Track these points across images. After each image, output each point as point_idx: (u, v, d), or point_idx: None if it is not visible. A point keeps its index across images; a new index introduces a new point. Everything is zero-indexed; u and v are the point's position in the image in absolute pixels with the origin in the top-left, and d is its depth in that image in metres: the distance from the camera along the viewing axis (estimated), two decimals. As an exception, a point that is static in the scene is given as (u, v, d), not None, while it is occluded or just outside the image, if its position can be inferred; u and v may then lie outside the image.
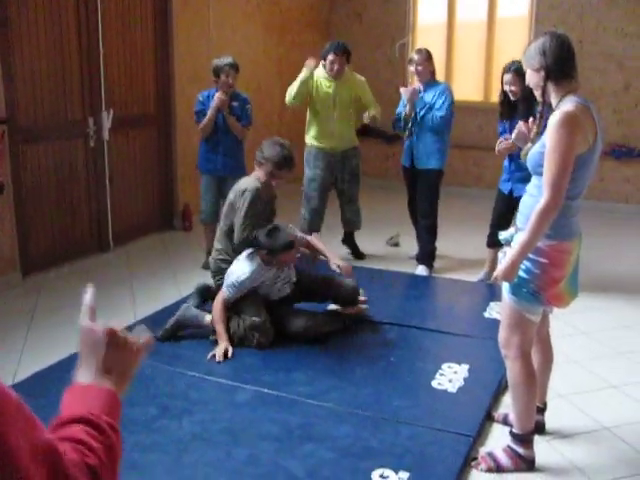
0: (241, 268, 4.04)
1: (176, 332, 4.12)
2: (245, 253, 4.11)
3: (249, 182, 4.29)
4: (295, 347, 4.02)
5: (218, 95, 5.26)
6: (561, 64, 2.66)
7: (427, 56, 5.34)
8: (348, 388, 3.56)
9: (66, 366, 3.72)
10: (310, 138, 5.77)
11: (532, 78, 2.75)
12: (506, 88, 4.69)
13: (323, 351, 3.99)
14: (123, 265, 5.69)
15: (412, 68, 5.37)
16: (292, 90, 5.63)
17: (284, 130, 8.35)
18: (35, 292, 4.98)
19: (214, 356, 3.87)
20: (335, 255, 4.54)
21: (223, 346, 3.92)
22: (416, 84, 5.40)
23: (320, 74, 5.62)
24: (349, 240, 6.07)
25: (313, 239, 4.53)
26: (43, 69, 5.23)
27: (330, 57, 5.49)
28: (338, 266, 4.35)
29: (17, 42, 4.99)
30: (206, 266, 5.21)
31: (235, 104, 5.41)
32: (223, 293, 4.08)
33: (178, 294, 4.92)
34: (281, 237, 3.98)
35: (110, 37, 5.81)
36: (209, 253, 5.50)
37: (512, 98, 4.67)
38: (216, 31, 6.94)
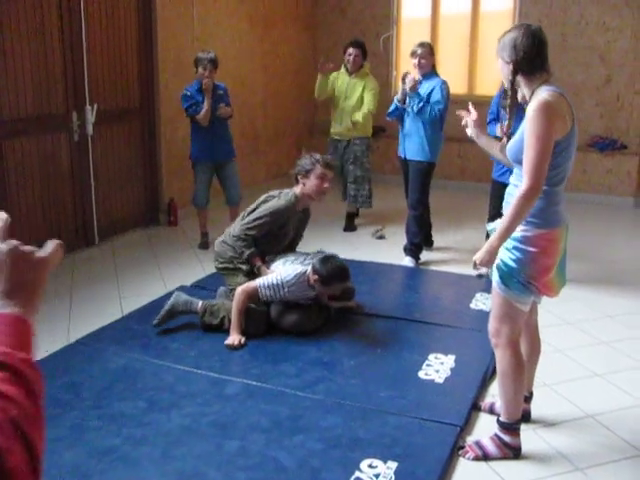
0: (287, 277, 4.03)
1: (169, 319, 4.14)
2: (297, 269, 4.09)
3: (286, 194, 4.34)
4: (283, 339, 4.04)
5: (205, 81, 5.64)
6: (530, 60, 2.70)
7: (430, 50, 5.45)
8: (336, 379, 3.58)
9: (54, 361, 3.73)
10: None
11: (503, 70, 2.80)
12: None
13: (311, 343, 4.00)
14: (109, 260, 5.68)
15: (415, 60, 5.39)
16: (315, 88, 6.59)
17: (269, 124, 8.36)
18: (20, 288, 4.95)
19: (229, 344, 3.94)
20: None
21: (238, 336, 3.97)
22: (416, 75, 5.41)
23: (341, 72, 6.50)
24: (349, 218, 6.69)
25: None
26: (25, 63, 5.18)
27: (349, 50, 6.37)
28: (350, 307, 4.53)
29: (-1, 36, 4.96)
30: (203, 246, 5.96)
31: (220, 92, 5.84)
32: (253, 285, 4.04)
33: (164, 288, 4.92)
34: (335, 269, 4.00)
35: (93, 31, 5.77)
36: (205, 234, 6.00)
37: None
38: (200, 25, 6.92)
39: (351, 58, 6.34)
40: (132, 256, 5.78)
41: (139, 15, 6.30)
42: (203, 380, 3.57)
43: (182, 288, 4.78)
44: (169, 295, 4.59)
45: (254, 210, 4.32)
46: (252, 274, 4.21)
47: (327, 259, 4.03)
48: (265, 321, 4.09)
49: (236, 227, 4.32)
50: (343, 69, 6.45)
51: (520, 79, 2.72)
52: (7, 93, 5.07)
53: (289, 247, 4.52)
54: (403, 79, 5.33)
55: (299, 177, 4.33)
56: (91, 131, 5.82)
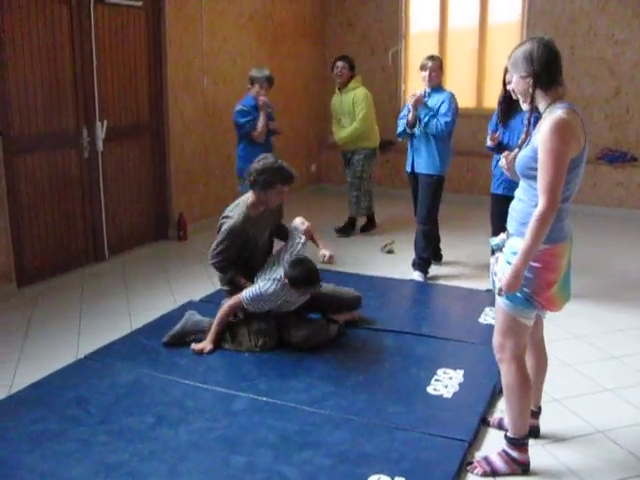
0: (265, 286, 4.05)
1: (180, 339, 4.15)
2: (273, 274, 4.11)
3: (238, 209, 4.25)
4: (291, 354, 4.04)
5: (262, 98, 5.78)
6: (549, 71, 2.67)
7: (440, 64, 5.48)
8: (344, 395, 3.57)
9: (62, 376, 3.74)
10: None
11: (519, 85, 2.76)
12: (509, 87, 4.70)
13: (319, 358, 4.00)
14: (118, 275, 5.70)
15: (425, 74, 5.40)
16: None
17: (279, 139, 8.37)
18: (31, 303, 4.99)
19: (197, 349, 4.06)
20: (325, 245, 4.60)
21: (207, 345, 4.06)
22: (420, 90, 5.43)
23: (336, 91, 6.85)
24: (349, 223, 7.04)
25: (310, 228, 4.56)
26: (37, 80, 5.24)
27: (337, 64, 6.68)
28: (323, 255, 4.46)
29: (10, 53, 5.01)
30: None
31: (269, 110, 5.97)
32: (238, 298, 4.08)
33: (173, 303, 4.93)
34: (303, 272, 4.01)
35: (103, 47, 5.84)
36: None
37: (514, 97, 4.68)
38: (208, 41, 6.97)
39: (338, 71, 6.67)
40: (142, 271, 5.81)
41: (148, 32, 6.36)
42: (211, 395, 3.57)
43: (191, 303, 4.80)
44: (179, 310, 4.63)
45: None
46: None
47: (296, 263, 4.05)
48: (277, 336, 4.10)
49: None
50: (337, 88, 6.82)
51: (537, 93, 2.70)
52: (18, 110, 5.12)
53: (271, 244, 4.53)
54: (415, 106, 5.35)
55: (256, 188, 4.17)
56: (101, 147, 5.87)
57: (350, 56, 6.88)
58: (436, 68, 5.40)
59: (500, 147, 4.68)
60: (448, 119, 5.30)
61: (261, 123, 5.75)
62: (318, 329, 4.17)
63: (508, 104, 4.68)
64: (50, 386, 3.65)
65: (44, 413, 3.36)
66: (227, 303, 4.14)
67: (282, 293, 4.06)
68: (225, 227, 4.18)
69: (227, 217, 4.24)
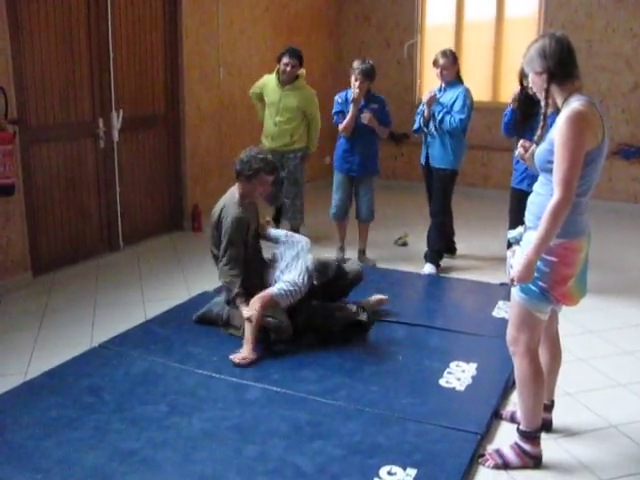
0: (299, 275, 4.08)
1: (203, 321, 4.27)
2: (299, 264, 4.15)
3: (232, 206, 4.23)
4: (304, 345, 4.04)
5: (355, 91, 5.45)
6: (563, 65, 2.67)
7: (453, 59, 5.37)
8: (357, 386, 3.58)
9: (77, 365, 3.77)
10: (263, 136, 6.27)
11: (535, 81, 2.75)
12: (525, 83, 4.67)
13: (332, 349, 4.01)
14: (133, 265, 5.73)
15: (437, 70, 5.37)
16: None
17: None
18: (45, 292, 5.03)
19: (236, 358, 3.85)
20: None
21: (247, 353, 3.85)
22: (433, 90, 5.40)
23: (272, 79, 6.06)
24: None
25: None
26: (53, 70, 5.27)
27: (284, 59, 5.90)
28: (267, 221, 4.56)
29: (28, 43, 5.04)
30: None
31: (375, 106, 5.55)
32: (269, 295, 3.99)
33: (187, 294, 4.96)
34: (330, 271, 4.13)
35: (120, 38, 5.86)
36: (341, 249, 5.94)
37: (531, 92, 4.64)
38: (224, 32, 6.98)
39: (287, 69, 5.88)
40: (156, 261, 5.83)
41: (165, 23, 6.37)
42: (224, 385, 3.59)
43: (205, 293, 4.82)
44: (192, 300, 4.65)
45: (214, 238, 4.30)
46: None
47: (324, 264, 4.17)
48: (292, 328, 4.06)
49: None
50: (274, 76, 6.02)
51: (553, 88, 2.70)
52: (34, 100, 5.16)
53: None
54: (429, 104, 5.33)
55: (241, 178, 4.19)
56: (117, 137, 5.89)
57: (299, 51, 6.00)
58: (448, 65, 5.33)
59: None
60: (463, 116, 5.27)
61: (348, 117, 5.49)
62: (349, 312, 4.16)
63: (527, 98, 4.63)
64: (65, 374, 3.68)
65: (59, 400, 3.39)
66: (261, 298, 3.98)
67: (308, 283, 4.09)
68: (229, 222, 4.13)
69: (223, 217, 4.19)
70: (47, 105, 5.27)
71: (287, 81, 5.94)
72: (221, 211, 4.23)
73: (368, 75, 5.41)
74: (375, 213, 5.88)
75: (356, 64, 5.45)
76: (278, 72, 5.95)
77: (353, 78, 5.43)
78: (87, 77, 5.59)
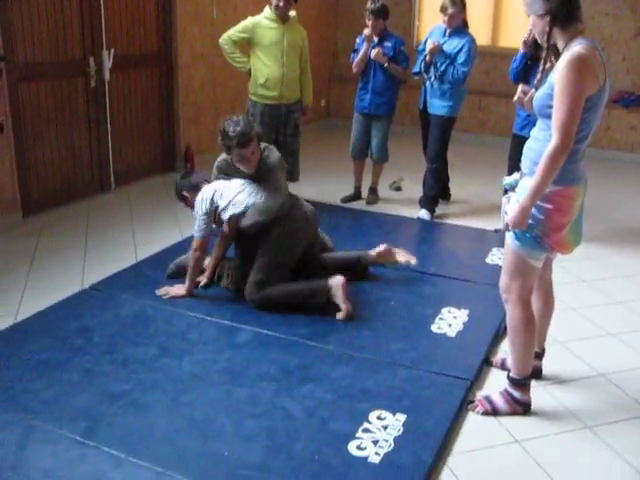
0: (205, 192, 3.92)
1: (179, 273, 4.09)
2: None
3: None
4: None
5: (365, 31, 5.50)
6: (566, 7, 2.57)
7: (462, 7, 5.28)
8: (347, 330, 3.58)
9: (67, 307, 3.76)
10: (255, 90, 5.37)
11: (536, 24, 2.65)
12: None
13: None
14: (124, 206, 5.67)
15: (444, 18, 5.24)
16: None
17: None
18: (36, 232, 4.98)
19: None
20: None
21: (185, 287, 3.90)
22: (436, 41, 5.28)
23: (262, 20, 5.27)
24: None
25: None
26: (41, 5, 5.12)
27: None
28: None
29: (15, -23, 4.88)
30: (345, 200, 5.97)
31: (387, 44, 5.56)
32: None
33: (179, 235, 4.92)
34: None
35: (110, -27, 5.69)
36: (358, 188, 6.00)
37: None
38: (219, -31, 6.79)
39: (280, 4, 5.14)
40: (148, 202, 5.78)
41: (157, -43, 6.18)
42: (215, 328, 3.59)
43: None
44: (185, 242, 4.61)
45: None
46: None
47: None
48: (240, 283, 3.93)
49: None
50: (268, 14, 5.24)
51: (555, 31, 2.61)
52: (22, 36, 5.02)
53: None
54: (432, 53, 5.24)
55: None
56: (108, 76, 5.77)
57: None
58: (456, 13, 5.22)
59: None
60: (466, 69, 5.19)
61: (358, 56, 5.58)
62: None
63: (536, 52, 4.50)
64: (55, 316, 3.66)
65: (48, 342, 3.38)
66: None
67: (228, 185, 3.89)
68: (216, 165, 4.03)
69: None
70: (35, 42, 5.13)
71: (285, 17, 5.25)
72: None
73: (378, 13, 5.47)
74: (389, 154, 5.94)
75: (368, 4, 5.51)
76: (272, 8, 5.21)
77: (366, 19, 5.50)
78: (77, 14, 5.43)
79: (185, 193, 4.05)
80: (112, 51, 5.74)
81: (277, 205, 3.80)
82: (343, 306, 3.72)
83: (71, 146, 5.57)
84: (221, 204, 3.82)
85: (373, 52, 5.48)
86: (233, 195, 3.83)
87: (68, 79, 5.47)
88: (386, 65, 5.51)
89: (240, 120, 3.79)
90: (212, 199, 3.83)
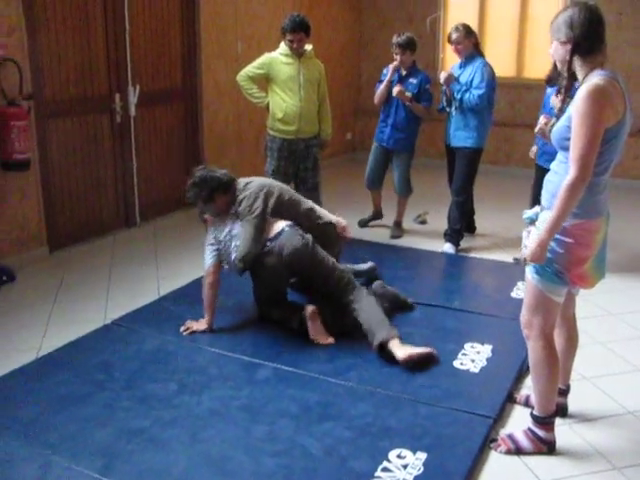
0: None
1: None
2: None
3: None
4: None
5: (395, 63, 5.60)
6: (589, 38, 2.55)
7: (465, 33, 5.25)
8: (368, 367, 3.53)
9: (89, 341, 3.77)
10: (273, 125, 5.35)
11: (557, 51, 2.64)
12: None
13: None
14: (149, 241, 5.71)
15: (452, 46, 5.28)
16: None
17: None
18: (61, 267, 5.03)
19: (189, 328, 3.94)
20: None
21: (198, 325, 3.93)
22: (449, 69, 5.29)
23: (277, 56, 5.25)
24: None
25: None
26: (69, 44, 5.23)
27: (288, 37, 5.12)
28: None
29: (43, 17, 4.99)
30: (362, 224, 6.16)
31: (413, 81, 5.60)
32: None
33: (203, 270, 4.91)
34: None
35: (136, 11, 5.79)
36: (376, 210, 6.23)
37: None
38: (243, 5, 6.88)
39: (294, 45, 5.13)
40: (172, 237, 5.81)
41: (182, -4, 6.29)
42: (235, 363, 3.56)
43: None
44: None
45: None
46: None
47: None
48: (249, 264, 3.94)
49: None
50: (283, 50, 5.22)
51: (575, 60, 2.59)
52: (50, 74, 5.12)
53: None
54: (447, 84, 5.26)
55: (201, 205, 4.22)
56: (133, 112, 5.85)
57: (305, 19, 5.19)
58: (461, 39, 5.23)
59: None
60: (481, 91, 5.15)
61: (380, 87, 5.65)
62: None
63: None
64: (76, 351, 3.68)
65: (70, 377, 3.39)
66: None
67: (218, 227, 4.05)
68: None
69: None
70: (62, 79, 5.24)
71: (300, 53, 5.21)
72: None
73: (405, 46, 5.50)
74: (412, 188, 5.99)
75: (394, 38, 5.56)
76: (287, 44, 5.17)
77: (394, 53, 5.56)
78: (103, 51, 5.54)
79: (206, 216, 4.20)
80: (137, 87, 5.83)
81: (245, 255, 3.87)
82: (312, 336, 3.79)
83: (97, 181, 5.64)
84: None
85: (395, 90, 5.49)
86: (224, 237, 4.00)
87: (94, 115, 5.56)
88: (408, 104, 5.53)
89: (195, 178, 4.14)
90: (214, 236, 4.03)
